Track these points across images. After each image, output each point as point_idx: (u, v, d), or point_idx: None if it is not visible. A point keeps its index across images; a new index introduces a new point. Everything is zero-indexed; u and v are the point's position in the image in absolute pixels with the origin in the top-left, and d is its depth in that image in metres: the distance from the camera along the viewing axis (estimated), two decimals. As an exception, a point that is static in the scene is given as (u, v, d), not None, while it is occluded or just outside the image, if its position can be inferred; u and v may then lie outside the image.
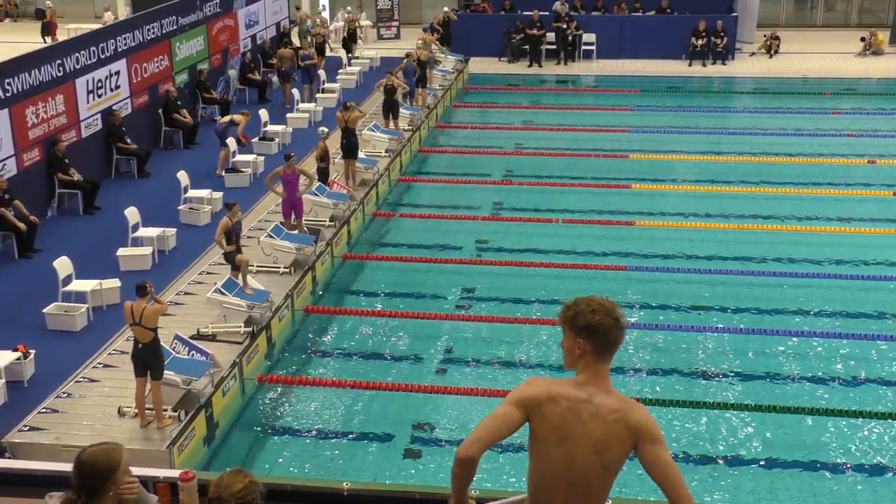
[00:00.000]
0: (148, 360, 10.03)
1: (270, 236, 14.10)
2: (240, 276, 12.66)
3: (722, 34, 27.92)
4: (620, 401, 3.89)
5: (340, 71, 25.73)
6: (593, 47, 28.65)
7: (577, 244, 15.78)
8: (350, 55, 27.54)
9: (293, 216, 14.71)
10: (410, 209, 17.81)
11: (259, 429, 11.25)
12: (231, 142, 18.24)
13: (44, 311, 12.42)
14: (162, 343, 10.67)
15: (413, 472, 10.27)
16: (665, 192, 18.41)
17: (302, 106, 22.12)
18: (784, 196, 17.83)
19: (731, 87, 27.05)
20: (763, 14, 31.04)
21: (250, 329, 12.15)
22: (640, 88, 25.54)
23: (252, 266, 13.37)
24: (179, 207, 16.06)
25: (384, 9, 31.46)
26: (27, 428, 10.20)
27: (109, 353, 11.66)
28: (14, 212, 14.41)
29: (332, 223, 15.77)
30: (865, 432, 10.78)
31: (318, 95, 23.27)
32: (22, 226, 14.33)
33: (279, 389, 11.87)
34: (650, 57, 28.18)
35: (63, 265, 12.86)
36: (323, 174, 16.46)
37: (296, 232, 14.56)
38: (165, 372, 10.27)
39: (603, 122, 22.61)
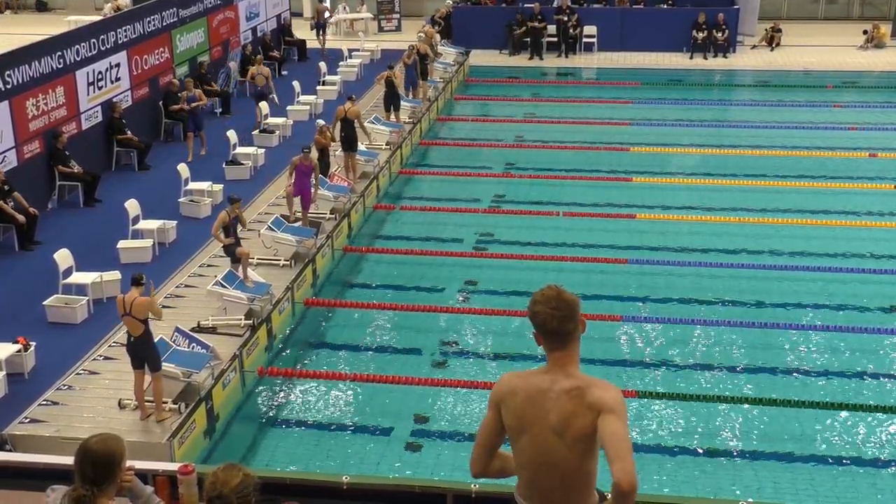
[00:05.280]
0: (141, 352, 9.98)
1: (271, 229, 14.09)
2: (240, 268, 12.65)
3: (723, 27, 27.85)
4: (581, 380, 3.92)
5: (341, 63, 25.69)
6: (594, 40, 28.56)
7: (579, 237, 15.76)
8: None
9: (299, 204, 14.69)
10: (411, 202, 17.79)
11: (259, 422, 11.25)
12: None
13: (44, 303, 12.42)
14: (162, 336, 10.68)
15: (413, 465, 10.26)
16: (666, 185, 18.37)
17: (303, 98, 22.09)
18: (785, 189, 17.82)
19: (733, 80, 26.95)
20: (765, 6, 30.96)
21: (251, 322, 12.14)
22: (641, 81, 25.47)
23: (252, 259, 13.37)
24: (180, 200, 16.06)
25: (385, 1, 31.37)
26: (27, 420, 10.20)
27: (110, 346, 11.66)
28: (14, 204, 14.40)
29: (333, 216, 15.75)
30: (867, 426, 10.78)
31: (318, 88, 23.24)
32: (22, 218, 14.33)
33: (279, 382, 11.87)
34: (651, 50, 28.10)
35: (63, 257, 12.86)
36: (323, 167, 16.44)
37: (296, 224, 14.56)
38: (165, 364, 10.25)
39: (604, 114, 22.56)
